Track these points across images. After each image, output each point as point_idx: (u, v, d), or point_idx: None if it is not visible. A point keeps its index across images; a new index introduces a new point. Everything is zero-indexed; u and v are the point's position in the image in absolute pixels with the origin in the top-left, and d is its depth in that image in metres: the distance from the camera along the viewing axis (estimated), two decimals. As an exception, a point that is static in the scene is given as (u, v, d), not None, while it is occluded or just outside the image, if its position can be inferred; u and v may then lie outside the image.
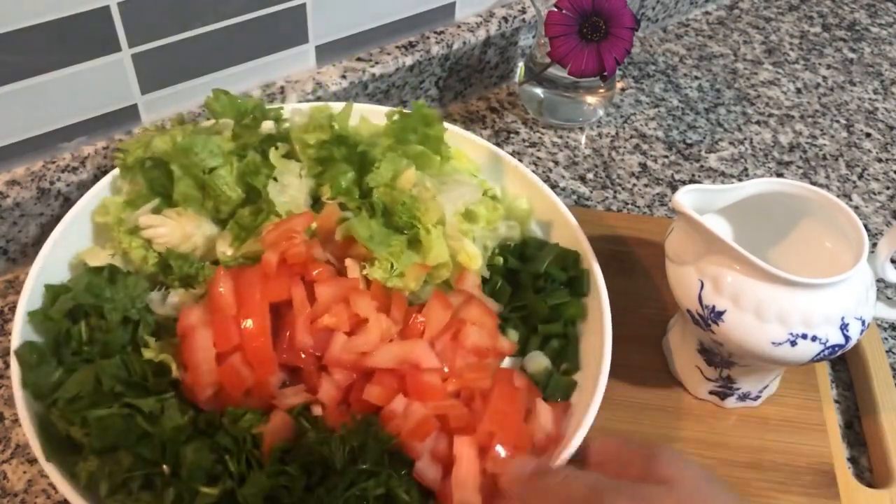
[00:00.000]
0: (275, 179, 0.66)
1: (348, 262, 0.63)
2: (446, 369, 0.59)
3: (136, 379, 0.58)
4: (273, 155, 0.66)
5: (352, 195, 0.67)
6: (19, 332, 0.59)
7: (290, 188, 0.66)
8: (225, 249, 0.65)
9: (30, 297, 0.61)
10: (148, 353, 0.60)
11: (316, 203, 0.68)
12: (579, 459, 0.54)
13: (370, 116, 0.73)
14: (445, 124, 0.72)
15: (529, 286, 0.68)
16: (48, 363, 0.58)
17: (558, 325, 0.66)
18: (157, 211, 0.66)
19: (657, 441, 0.67)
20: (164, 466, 0.55)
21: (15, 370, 0.57)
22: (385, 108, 0.73)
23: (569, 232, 0.71)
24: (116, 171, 0.69)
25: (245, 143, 0.68)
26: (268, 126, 0.71)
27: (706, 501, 0.46)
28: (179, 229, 0.65)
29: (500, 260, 0.70)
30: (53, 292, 0.62)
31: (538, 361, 0.66)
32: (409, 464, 0.56)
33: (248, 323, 0.58)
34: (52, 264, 0.64)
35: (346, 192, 0.66)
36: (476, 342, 0.61)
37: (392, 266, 0.63)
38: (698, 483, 0.47)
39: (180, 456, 0.55)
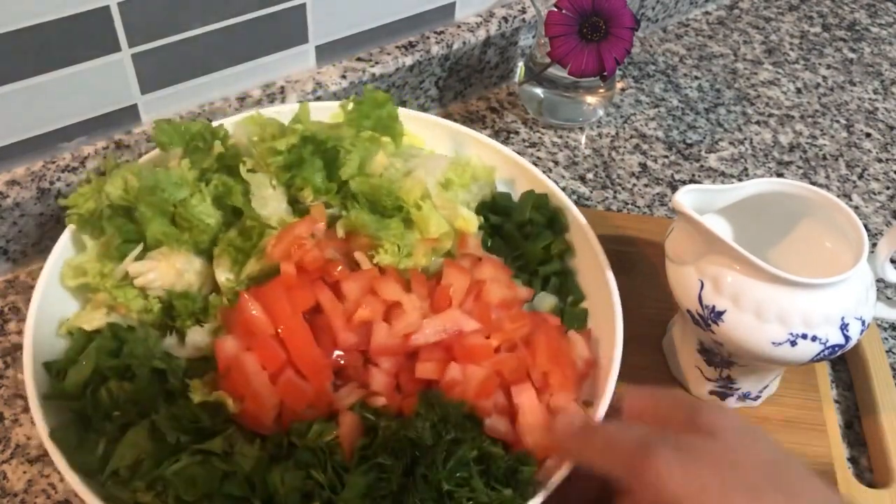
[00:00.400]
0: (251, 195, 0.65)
1: (358, 255, 0.64)
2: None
3: (193, 424, 0.56)
4: (243, 171, 0.65)
5: (331, 192, 0.66)
6: (40, 418, 0.55)
7: (269, 200, 0.65)
8: (228, 276, 0.63)
9: (34, 381, 0.58)
10: (198, 396, 0.57)
11: (292, 208, 0.67)
12: (616, 412, 0.54)
13: (312, 112, 0.73)
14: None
15: (516, 235, 0.70)
16: (88, 439, 0.56)
17: (555, 264, 0.69)
18: (140, 256, 0.64)
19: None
20: (257, 502, 0.53)
21: (58, 456, 0.55)
22: (331, 104, 0.74)
23: (531, 177, 0.74)
24: (69, 231, 0.65)
25: (203, 167, 0.66)
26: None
27: (749, 450, 0.47)
28: (171, 269, 0.63)
29: (482, 218, 0.71)
30: (57, 369, 0.60)
31: (547, 301, 0.68)
32: (477, 424, 0.58)
33: (290, 337, 0.58)
34: (40, 342, 0.60)
35: (325, 190, 0.66)
36: (500, 296, 0.64)
37: (399, 248, 0.64)
38: (741, 433, 0.48)
39: (269, 485, 0.54)
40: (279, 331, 0.58)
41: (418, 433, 0.54)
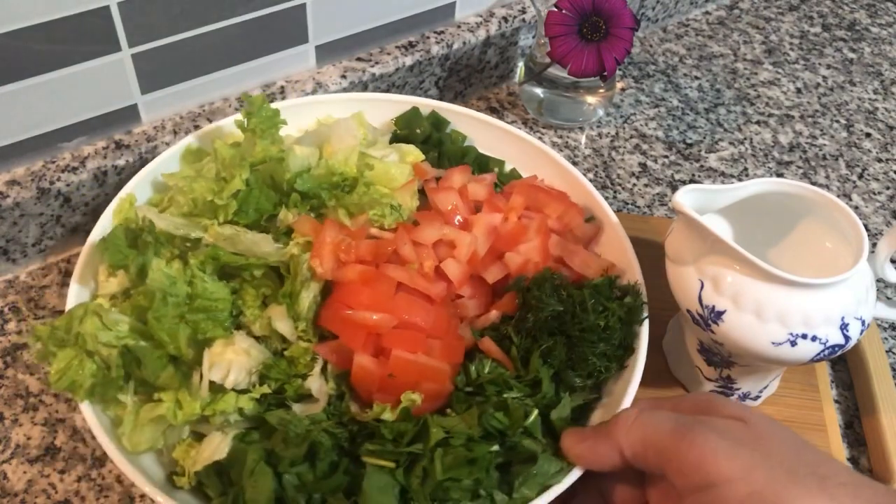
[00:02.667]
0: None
1: (374, 231, 0.66)
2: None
3: (403, 440, 0.57)
4: (213, 231, 0.62)
5: (297, 203, 0.66)
6: None
7: (256, 240, 0.63)
8: (293, 326, 0.61)
9: None
10: (391, 414, 0.57)
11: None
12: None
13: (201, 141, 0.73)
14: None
15: (430, 149, 0.77)
16: None
17: (472, 151, 0.79)
18: (190, 369, 0.59)
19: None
20: (519, 439, 0.57)
21: None
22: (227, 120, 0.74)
23: (390, 103, 0.80)
24: (89, 408, 0.57)
25: (171, 253, 0.63)
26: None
27: (779, 437, 0.48)
28: (241, 354, 0.59)
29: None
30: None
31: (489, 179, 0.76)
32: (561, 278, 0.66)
33: (414, 315, 0.61)
34: None
35: (292, 203, 0.66)
36: (482, 190, 0.71)
37: (390, 206, 0.66)
38: (767, 421, 0.49)
39: (503, 424, 0.57)
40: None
41: (551, 306, 0.62)
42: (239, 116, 0.69)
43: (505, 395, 0.58)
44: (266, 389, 0.59)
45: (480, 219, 0.68)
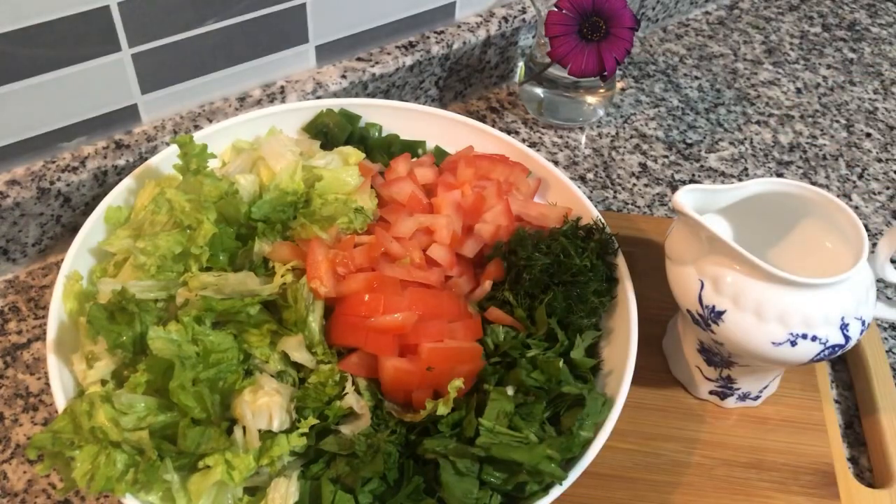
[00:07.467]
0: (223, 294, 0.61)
1: (359, 238, 0.66)
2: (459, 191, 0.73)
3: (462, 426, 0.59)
4: (199, 283, 0.61)
5: (269, 232, 0.65)
6: None
7: (242, 280, 0.61)
8: (306, 350, 0.60)
9: None
10: (446, 407, 0.58)
11: (233, 262, 0.65)
12: None
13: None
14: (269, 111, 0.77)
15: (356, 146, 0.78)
16: None
17: (396, 140, 0.80)
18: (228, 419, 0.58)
19: (657, 441, 0.67)
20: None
21: None
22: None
23: (302, 110, 0.79)
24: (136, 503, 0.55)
25: (158, 318, 0.60)
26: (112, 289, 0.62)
27: None
28: (274, 396, 0.58)
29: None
30: None
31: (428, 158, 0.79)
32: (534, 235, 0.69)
33: (429, 307, 0.62)
34: None
35: (262, 232, 0.65)
36: (429, 172, 0.74)
37: (354, 211, 0.67)
38: None
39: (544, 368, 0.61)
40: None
41: (540, 261, 0.65)
42: (178, 161, 0.67)
43: (529, 355, 0.61)
44: (313, 420, 0.58)
45: (445, 199, 0.70)
